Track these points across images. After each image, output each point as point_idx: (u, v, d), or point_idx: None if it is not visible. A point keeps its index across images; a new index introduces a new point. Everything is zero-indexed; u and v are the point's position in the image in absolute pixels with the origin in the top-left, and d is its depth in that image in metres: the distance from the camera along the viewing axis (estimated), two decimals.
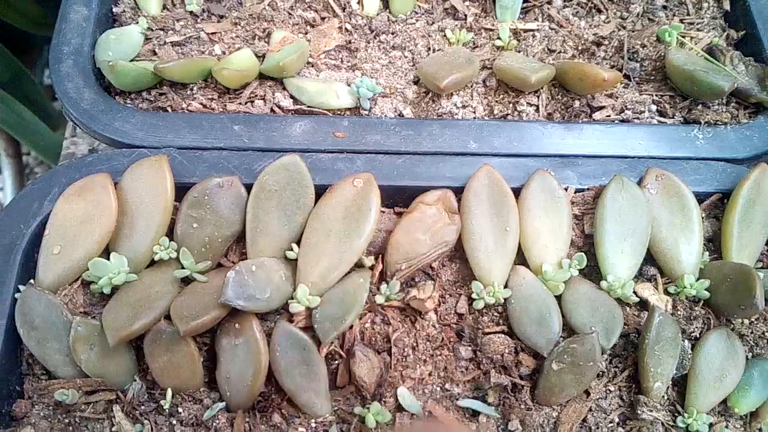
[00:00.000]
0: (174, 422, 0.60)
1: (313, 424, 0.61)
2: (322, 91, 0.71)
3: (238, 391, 0.60)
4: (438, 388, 0.63)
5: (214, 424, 0.59)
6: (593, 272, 0.67)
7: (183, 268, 0.62)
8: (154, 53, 0.75)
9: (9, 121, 1.17)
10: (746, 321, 0.66)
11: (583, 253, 0.66)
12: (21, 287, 0.61)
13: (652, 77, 0.78)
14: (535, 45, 0.79)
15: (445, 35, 0.79)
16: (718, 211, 0.71)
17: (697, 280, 0.65)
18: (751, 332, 0.65)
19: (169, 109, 0.71)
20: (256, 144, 0.69)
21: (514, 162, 0.69)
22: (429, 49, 0.78)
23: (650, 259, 0.67)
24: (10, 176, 1.70)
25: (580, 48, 0.79)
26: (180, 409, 0.60)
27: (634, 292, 0.65)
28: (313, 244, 0.64)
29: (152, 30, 0.77)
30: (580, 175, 0.69)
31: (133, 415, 0.60)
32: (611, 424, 0.62)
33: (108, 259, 0.61)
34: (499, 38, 0.78)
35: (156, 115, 0.69)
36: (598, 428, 0.61)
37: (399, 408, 0.61)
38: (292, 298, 0.62)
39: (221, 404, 0.60)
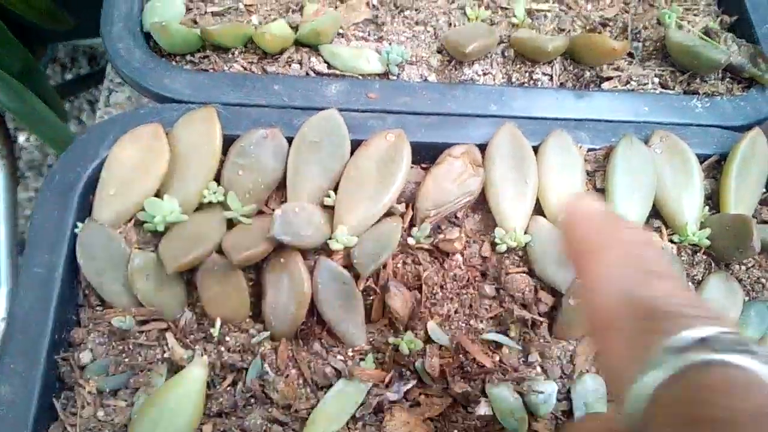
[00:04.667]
0: (222, 349, 0.64)
1: (350, 353, 0.66)
2: (355, 56, 0.77)
3: (282, 320, 0.65)
4: (463, 324, 0.68)
5: (260, 350, 0.64)
6: None
7: (230, 210, 0.68)
8: (195, 22, 0.81)
9: (20, 111, 1.17)
10: (743, 267, 0.72)
11: None
12: (79, 224, 0.66)
13: (654, 55, 0.85)
14: (546, 24, 0.86)
15: (464, 12, 0.85)
16: (715, 172, 0.78)
17: (699, 229, 0.71)
18: (748, 277, 0.72)
19: (211, 70, 0.77)
20: (295, 102, 0.74)
21: (531, 123, 0.75)
22: (450, 24, 0.84)
23: (654, 214, 0.74)
24: (3, 177, 1.72)
25: (587, 27, 0.86)
26: (227, 338, 0.65)
27: None
28: (349, 191, 0.69)
29: (192, 1, 0.82)
30: (592, 136, 0.76)
31: (184, 343, 0.64)
32: None
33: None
34: (515, 16, 0.85)
35: (202, 74, 0.75)
36: None
37: (428, 340, 0.67)
38: (330, 239, 0.67)
39: (266, 333, 0.65)
